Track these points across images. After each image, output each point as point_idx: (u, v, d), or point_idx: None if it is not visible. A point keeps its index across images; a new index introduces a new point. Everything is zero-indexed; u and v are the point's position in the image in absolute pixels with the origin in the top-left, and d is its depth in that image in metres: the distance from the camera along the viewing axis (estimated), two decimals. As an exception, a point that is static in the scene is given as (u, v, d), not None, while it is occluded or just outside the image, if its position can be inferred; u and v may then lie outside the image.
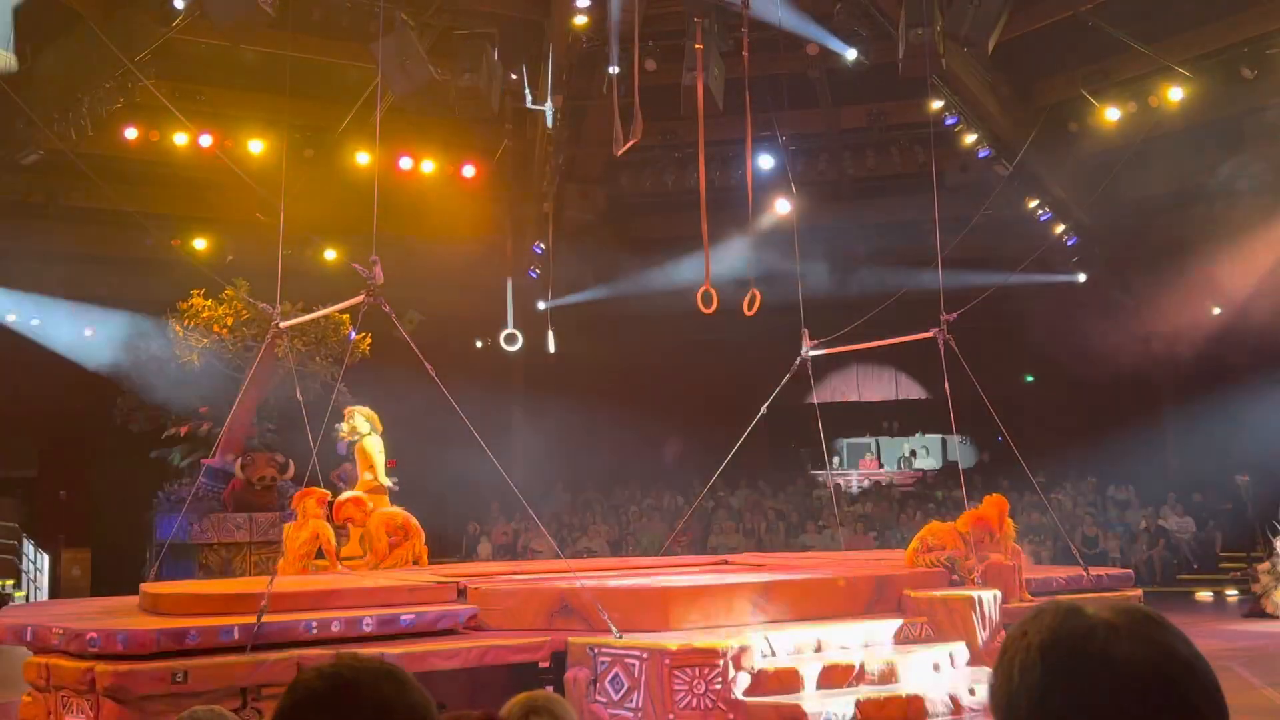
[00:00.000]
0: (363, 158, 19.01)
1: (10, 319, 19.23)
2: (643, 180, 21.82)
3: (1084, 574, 11.43)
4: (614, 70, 14.74)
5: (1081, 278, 21.26)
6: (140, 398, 17.09)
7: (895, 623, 9.30)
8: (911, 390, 24.86)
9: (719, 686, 7.80)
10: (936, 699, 8.17)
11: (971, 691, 8.30)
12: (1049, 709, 1.26)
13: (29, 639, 8.38)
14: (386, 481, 13.01)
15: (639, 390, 22.74)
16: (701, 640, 8.09)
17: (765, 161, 20.50)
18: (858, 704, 7.91)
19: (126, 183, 19.05)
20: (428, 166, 20.16)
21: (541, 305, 21.38)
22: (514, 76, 17.34)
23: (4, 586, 17.11)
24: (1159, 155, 19.21)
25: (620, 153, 12.86)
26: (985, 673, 8.80)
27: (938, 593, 9.70)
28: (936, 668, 8.76)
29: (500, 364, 21.45)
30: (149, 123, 18.15)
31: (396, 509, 12.25)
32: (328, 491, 11.78)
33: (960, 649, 9.08)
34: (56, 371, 18.14)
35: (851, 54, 17.76)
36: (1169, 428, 22.18)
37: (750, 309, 12.64)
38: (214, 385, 17.16)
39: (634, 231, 23.69)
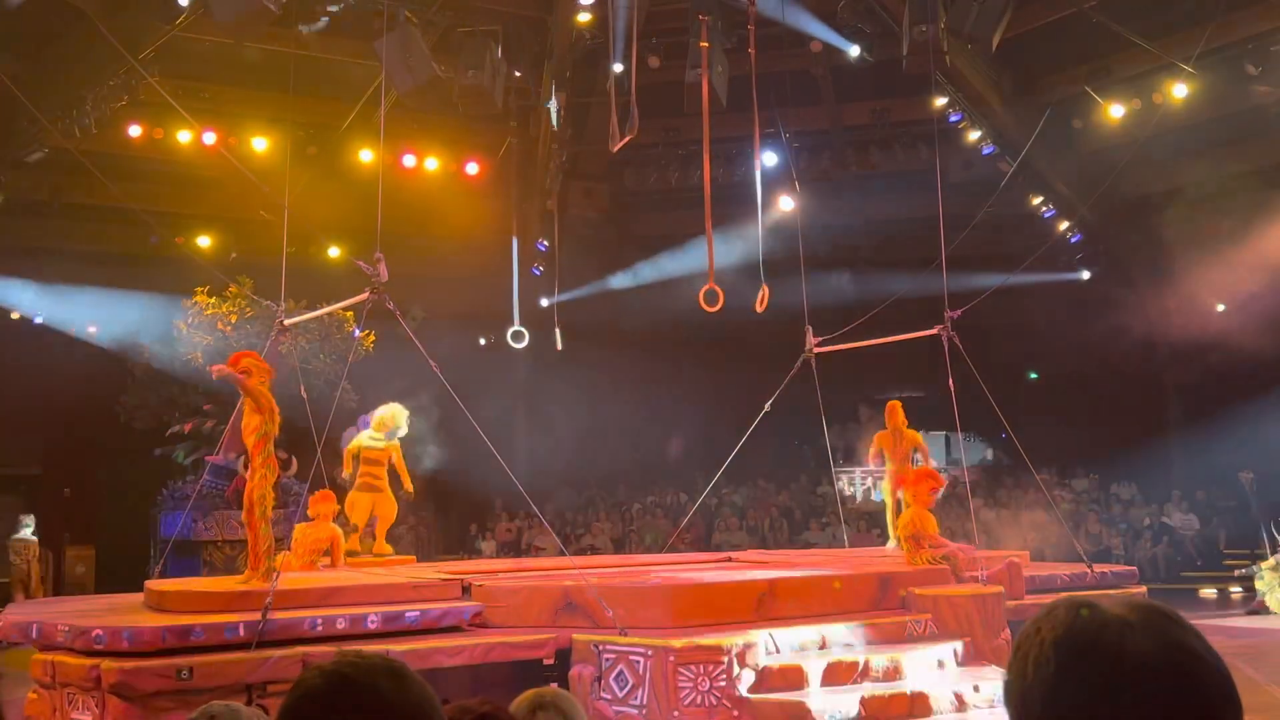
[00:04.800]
0: (366, 155, 19.02)
1: (14, 316, 19.26)
2: (646, 177, 21.82)
3: (1088, 571, 11.46)
4: (617, 68, 14.73)
5: (1085, 275, 21.23)
6: (144, 395, 17.13)
7: (899, 620, 9.31)
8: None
9: (724, 684, 7.80)
10: (940, 696, 8.17)
11: (975, 689, 8.29)
12: (1063, 704, 1.26)
13: (35, 636, 8.40)
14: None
15: (643, 388, 22.72)
16: (706, 637, 8.09)
17: (769, 158, 20.46)
18: (862, 701, 7.90)
19: (130, 180, 19.06)
20: (431, 164, 20.16)
21: (545, 302, 21.37)
22: (517, 74, 17.34)
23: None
24: (1163, 152, 19.20)
25: (616, 149, 12.87)
26: (989, 669, 8.81)
27: (941, 590, 9.70)
28: (940, 665, 8.76)
29: (504, 361, 21.45)
30: (153, 120, 18.17)
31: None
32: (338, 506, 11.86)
33: (964, 646, 9.08)
34: (60, 368, 18.16)
35: (855, 50, 17.74)
36: (1173, 425, 22.16)
37: (761, 306, 12.63)
38: (218, 382, 17.17)
39: (638, 228, 23.70)
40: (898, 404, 13.36)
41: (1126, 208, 20.68)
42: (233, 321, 16.54)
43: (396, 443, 12.59)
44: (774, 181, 19.52)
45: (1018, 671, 1.32)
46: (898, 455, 13.14)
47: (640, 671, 7.93)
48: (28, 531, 17.22)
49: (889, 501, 13.52)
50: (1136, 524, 20.51)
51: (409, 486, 12.61)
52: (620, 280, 22.77)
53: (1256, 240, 18.75)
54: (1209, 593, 18.63)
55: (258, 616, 7.89)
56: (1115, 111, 18.31)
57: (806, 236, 16.13)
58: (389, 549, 12.60)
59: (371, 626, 8.40)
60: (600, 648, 8.21)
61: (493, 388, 20.89)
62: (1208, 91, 17.48)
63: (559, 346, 18.76)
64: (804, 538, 21.07)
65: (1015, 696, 1.31)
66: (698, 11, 14.68)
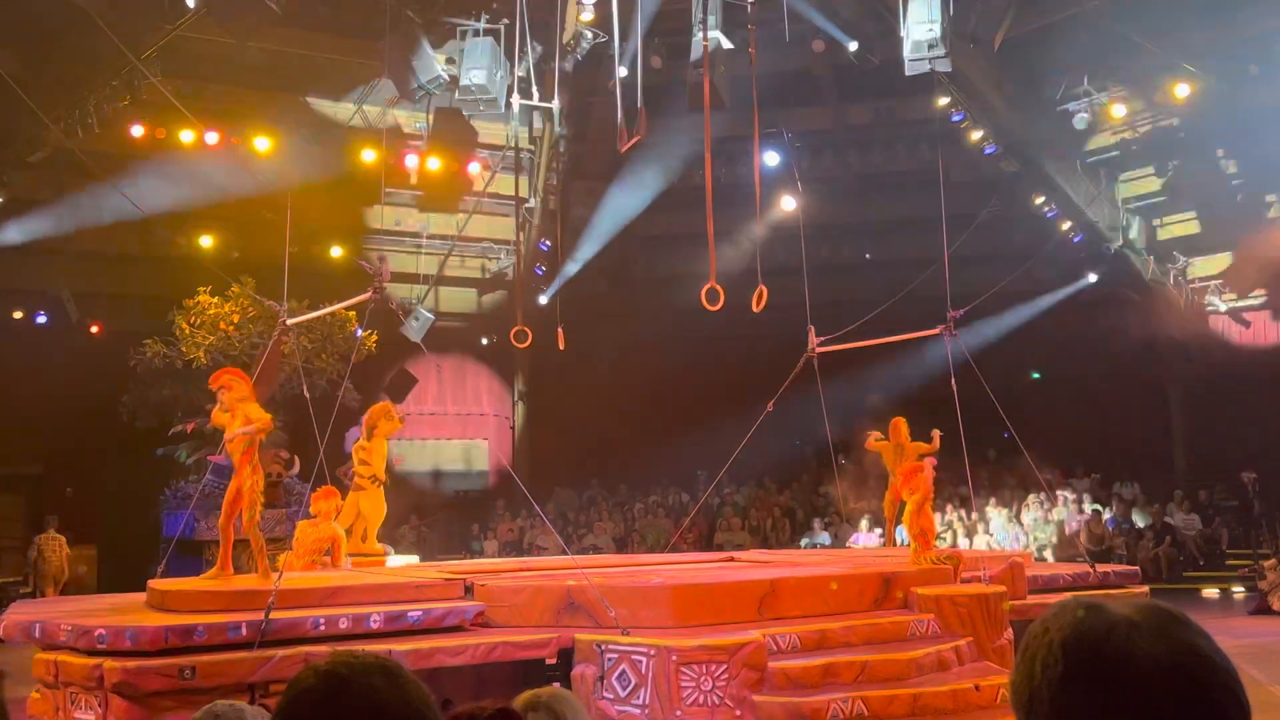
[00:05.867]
0: (368, 155, 19.01)
1: (16, 315, 19.27)
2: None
3: (1090, 570, 11.45)
4: (622, 71, 14.72)
5: (1092, 278, 21.19)
6: (146, 394, 17.15)
7: (901, 620, 9.29)
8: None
9: (726, 683, 7.79)
10: (943, 695, 8.16)
11: (977, 688, 8.29)
12: (1070, 705, 1.26)
13: (38, 636, 8.40)
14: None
15: (645, 387, 22.72)
16: (708, 637, 8.08)
17: (771, 158, 20.45)
18: (864, 701, 7.90)
19: (132, 180, 19.05)
20: (433, 164, 20.16)
21: (544, 300, 21.37)
22: (520, 74, 17.35)
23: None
24: (1165, 151, 19.18)
25: (624, 149, 12.86)
26: (991, 669, 8.80)
27: (944, 590, 9.69)
28: (943, 664, 8.75)
29: (506, 361, 21.45)
30: (155, 120, 18.15)
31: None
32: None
33: (966, 646, 9.07)
34: (63, 368, 18.16)
35: (853, 45, 17.72)
36: (1175, 425, 22.14)
37: (758, 305, 12.62)
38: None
39: (640, 228, 23.66)
40: (902, 420, 13.30)
41: (1127, 206, 20.66)
42: (235, 321, 16.53)
43: (380, 439, 12.49)
44: (777, 181, 19.52)
45: (1025, 672, 1.32)
46: (901, 469, 12.78)
47: (643, 671, 7.93)
48: (53, 531, 17.44)
49: (889, 514, 13.45)
50: (1139, 524, 20.48)
51: (381, 476, 12.43)
52: (622, 279, 22.72)
53: (1256, 240, 18.74)
54: (1211, 593, 18.61)
55: (260, 616, 7.89)
56: (1118, 111, 18.30)
57: (808, 236, 16.12)
58: (378, 548, 12.55)
59: (374, 626, 8.40)
60: (603, 647, 8.20)
61: (494, 386, 20.93)
62: (1208, 91, 17.47)
63: (561, 346, 18.76)
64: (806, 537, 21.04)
65: (1023, 697, 1.31)
66: (700, 11, 14.67)
